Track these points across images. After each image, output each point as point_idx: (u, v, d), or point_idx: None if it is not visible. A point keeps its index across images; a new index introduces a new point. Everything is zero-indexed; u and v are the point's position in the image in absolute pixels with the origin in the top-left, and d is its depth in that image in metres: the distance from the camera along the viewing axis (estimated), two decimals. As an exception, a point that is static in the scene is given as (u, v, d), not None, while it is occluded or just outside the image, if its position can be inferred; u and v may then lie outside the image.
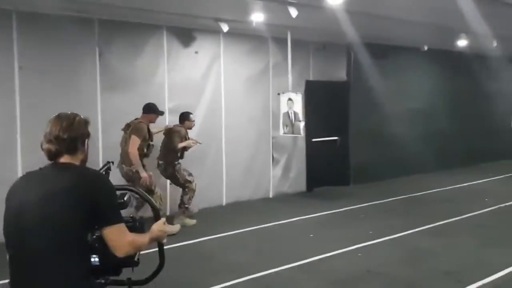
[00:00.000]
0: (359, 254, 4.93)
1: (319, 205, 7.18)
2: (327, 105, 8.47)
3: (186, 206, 6.08)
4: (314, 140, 8.39)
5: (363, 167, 8.81)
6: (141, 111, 5.76)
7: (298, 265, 4.61)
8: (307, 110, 8.24)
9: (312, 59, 8.35)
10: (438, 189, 8.29)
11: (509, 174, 9.74)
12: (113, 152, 6.12)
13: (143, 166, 5.47)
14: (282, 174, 8.04)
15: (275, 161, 7.95)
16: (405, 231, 5.71)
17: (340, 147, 8.74)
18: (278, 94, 7.42)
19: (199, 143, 6.19)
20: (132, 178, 5.42)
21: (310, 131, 8.29)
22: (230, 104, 7.33)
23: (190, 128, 6.25)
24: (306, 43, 8.15)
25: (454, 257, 4.81)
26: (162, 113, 5.88)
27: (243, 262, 4.72)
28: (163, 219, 2.10)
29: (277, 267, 4.55)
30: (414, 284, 4.11)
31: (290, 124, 7.33)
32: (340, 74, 8.69)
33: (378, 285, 4.12)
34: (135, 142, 5.36)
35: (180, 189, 6.16)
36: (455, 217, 6.37)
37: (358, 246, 5.18)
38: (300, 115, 7.16)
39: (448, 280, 4.18)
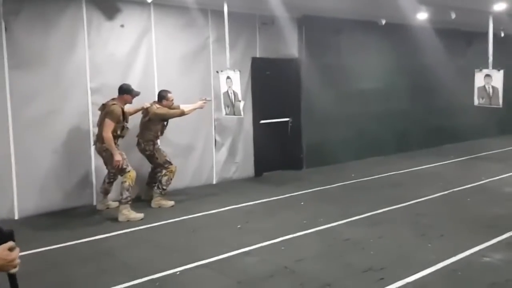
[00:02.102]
0: (282, 248, 4.44)
1: (263, 192, 6.68)
2: (276, 84, 7.94)
3: (164, 188, 6.05)
4: (262, 122, 7.85)
5: (316, 150, 8.32)
6: (58, 92, 5.45)
7: (208, 262, 4.10)
8: (254, 89, 7.71)
9: (259, 34, 7.73)
10: (391, 173, 7.81)
11: (471, 156, 9.31)
12: (26, 134, 5.60)
13: (117, 146, 5.49)
14: (227, 158, 7.49)
15: (218, 145, 7.39)
16: (341, 220, 5.22)
17: (292, 129, 8.24)
18: (217, 72, 6.83)
19: (209, 100, 6.42)
20: (105, 157, 5.55)
21: (257, 112, 7.77)
22: (164, 84, 6.66)
23: (169, 107, 6.13)
24: (252, 16, 7.54)
25: (382, 251, 4.33)
26: (137, 93, 5.75)
27: (146, 260, 4.20)
28: (10, 243, 1.52)
29: (185, 265, 4.05)
30: (328, 282, 3.63)
31: (231, 105, 6.78)
32: (290, 50, 8.10)
33: (287, 285, 3.63)
34: (108, 125, 5.39)
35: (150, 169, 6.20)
36: (399, 204, 5.90)
37: (284, 238, 4.68)
38: (240, 95, 6.59)
39: (368, 278, 3.71)
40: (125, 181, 5.47)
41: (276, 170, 8.02)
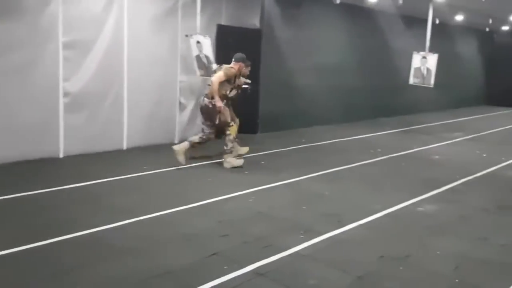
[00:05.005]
0: (250, 199, 5.03)
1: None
2: (239, 52, 8.34)
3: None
4: (223, 87, 8.28)
5: (271, 116, 8.95)
6: (32, 44, 5.63)
7: (188, 208, 4.62)
8: (218, 55, 8.06)
9: (225, 3, 8.09)
10: (338, 139, 8.69)
11: (404, 128, 10.47)
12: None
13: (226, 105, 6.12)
14: (189, 120, 7.90)
15: (182, 107, 7.77)
16: (299, 176, 5.94)
17: (250, 95, 8.75)
18: (186, 36, 7.15)
19: (247, 81, 6.60)
20: (210, 112, 6.10)
21: (219, 78, 8.17)
22: (134, 43, 6.93)
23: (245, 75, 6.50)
24: (220, -16, 7.87)
25: (338, 201, 5.11)
26: (249, 63, 6.39)
27: (132, 205, 4.63)
28: None
29: (167, 209, 4.53)
30: (297, 224, 4.31)
31: (205, 67, 7.15)
32: (253, 20, 8.55)
33: (264, 225, 4.26)
34: (219, 76, 6.03)
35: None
36: (348, 165, 6.75)
37: (253, 190, 5.30)
38: (212, 58, 6.99)
39: (329, 221, 4.43)
40: (230, 134, 6.18)
41: (234, 133, 8.55)
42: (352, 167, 6.72)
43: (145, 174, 5.81)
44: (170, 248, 3.70)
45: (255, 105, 8.78)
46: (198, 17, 6.95)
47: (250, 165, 6.52)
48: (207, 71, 6.99)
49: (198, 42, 6.95)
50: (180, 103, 7.71)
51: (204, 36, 6.92)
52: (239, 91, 6.48)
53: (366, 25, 10.29)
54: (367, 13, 9.98)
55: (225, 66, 6.21)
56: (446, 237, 4.21)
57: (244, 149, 6.55)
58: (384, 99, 11.61)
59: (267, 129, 8.88)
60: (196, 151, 6.43)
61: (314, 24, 9.46)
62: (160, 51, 7.29)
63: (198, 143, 6.26)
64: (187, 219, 4.34)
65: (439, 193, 5.60)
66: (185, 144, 6.20)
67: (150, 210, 4.44)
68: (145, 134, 7.24)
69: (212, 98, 6.07)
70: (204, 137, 6.27)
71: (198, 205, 4.70)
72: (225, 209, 4.66)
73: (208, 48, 6.87)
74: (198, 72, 7.17)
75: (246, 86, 6.59)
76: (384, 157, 7.47)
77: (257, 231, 4.09)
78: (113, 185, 5.37)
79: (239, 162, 6.28)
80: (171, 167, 6.13)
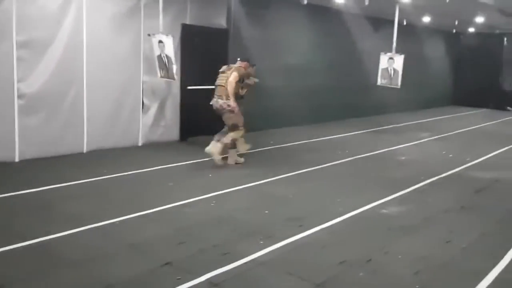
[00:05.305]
0: (212, 204, 4.88)
1: (188, 154, 7.03)
2: (205, 52, 8.19)
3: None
4: (190, 88, 8.11)
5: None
6: None
7: (145, 214, 4.44)
8: (183, 55, 7.90)
9: (190, 2, 7.90)
10: (307, 141, 8.63)
11: (373, 129, 10.51)
12: None
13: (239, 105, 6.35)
14: (153, 121, 7.68)
15: (145, 108, 7.54)
16: (264, 179, 5.83)
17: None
18: (148, 35, 6.94)
19: (256, 80, 6.76)
20: (222, 111, 6.32)
21: (185, 78, 7.99)
22: (93, 43, 6.67)
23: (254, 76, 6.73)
24: (184, -17, 7.68)
25: (302, 204, 5.01)
26: (253, 64, 6.65)
27: (87, 212, 4.42)
28: None
29: (124, 215, 4.34)
30: (258, 229, 4.18)
31: (165, 68, 6.97)
32: (219, 20, 8.39)
33: (224, 231, 4.12)
34: (234, 76, 6.24)
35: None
36: (315, 166, 6.67)
37: (215, 194, 5.15)
38: (173, 59, 6.80)
39: (291, 226, 4.32)
40: (234, 135, 6.38)
41: (200, 135, 8.36)
42: (318, 168, 6.65)
43: (103, 179, 5.59)
44: (119, 258, 3.51)
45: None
46: (161, 16, 6.75)
47: (215, 167, 6.37)
48: (168, 73, 6.80)
49: (160, 41, 6.76)
50: (143, 104, 7.48)
51: (167, 35, 6.72)
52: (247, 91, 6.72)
53: (335, 26, 10.28)
54: (335, 14, 9.98)
55: (234, 66, 6.41)
56: (408, 240, 4.16)
57: (246, 146, 6.77)
58: (354, 100, 11.64)
59: (235, 130, 8.72)
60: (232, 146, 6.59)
61: (282, 24, 9.37)
62: (122, 51, 7.05)
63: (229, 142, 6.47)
64: (143, 227, 4.15)
65: (404, 194, 5.57)
66: (219, 146, 6.33)
67: (105, 217, 4.24)
68: (106, 136, 6.99)
69: (227, 98, 6.21)
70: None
71: (155, 211, 4.52)
72: (184, 215, 4.50)
73: (170, 48, 6.69)
74: (158, 73, 6.97)
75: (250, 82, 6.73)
76: (352, 158, 7.43)
77: (215, 237, 3.95)
78: (69, 190, 5.13)
79: (242, 159, 6.61)
80: (132, 170, 5.93)
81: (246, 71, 6.46)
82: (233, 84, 6.20)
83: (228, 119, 6.37)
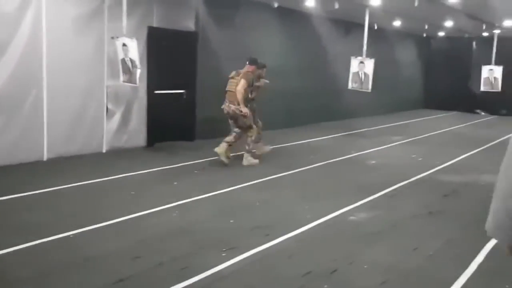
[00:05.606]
0: (174, 214, 4.69)
1: (156, 161, 6.82)
2: (173, 56, 8.00)
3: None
4: (157, 92, 7.90)
5: (209, 122, 8.61)
6: None
7: (102, 226, 4.21)
8: (149, 59, 7.68)
9: (156, 4, 7.69)
10: (278, 145, 8.49)
11: (345, 133, 10.48)
12: None
13: (249, 108, 6.70)
14: (118, 127, 7.43)
15: (110, 113, 7.28)
16: (231, 186, 5.66)
17: (186, 101, 8.41)
18: (112, 38, 6.71)
19: (266, 81, 7.23)
20: (236, 115, 6.65)
21: (152, 82, 7.78)
22: (54, 45, 6.39)
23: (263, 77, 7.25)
24: (150, -15, 7.47)
25: (269, 212, 4.87)
26: (263, 65, 7.14)
27: (40, 224, 4.17)
28: None
29: (81, 227, 4.11)
30: (222, 240, 4.02)
31: (129, 72, 6.73)
32: (187, 23, 8.21)
33: (185, 243, 3.93)
34: (243, 84, 6.57)
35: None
36: (284, 172, 6.55)
37: (179, 203, 4.96)
38: (137, 62, 6.58)
39: (257, 235, 4.18)
40: (252, 135, 6.77)
41: (168, 141, 8.16)
42: (287, 174, 6.53)
43: (63, 188, 5.33)
44: (71, 274, 3.29)
45: (191, 111, 8.44)
46: (124, 18, 6.53)
47: (181, 174, 6.18)
48: (131, 77, 6.58)
49: (124, 44, 6.53)
50: (107, 109, 7.22)
51: (131, 38, 6.50)
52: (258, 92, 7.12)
53: (306, 29, 10.21)
54: (306, 18, 9.90)
55: (242, 71, 6.69)
56: (375, 248, 4.07)
57: (266, 148, 7.35)
58: (326, 104, 11.60)
59: (204, 135, 8.53)
60: (237, 146, 6.94)
61: (252, 27, 9.24)
62: (85, 53, 6.79)
63: (234, 141, 6.80)
64: (97, 240, 3.93)
65: (373, 199, 5.50)
66: (224, 145, 6.67)
67: (58, 230, 4.00)
68: (68, 143, 6.70)
69: (238, 104, 6.53)
70: (237, 136, 6.81)
71: (114, 223, 4.30)
72: (143, 226, 4.29)
73: (134, 51, 6.47)
74: (121, 77, 6.74)
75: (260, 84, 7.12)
76: (323, 162, 7.35)
77: (175, 250, 3.76)
78: (25, 201, 4.86)
79: (255, 161, 6.88)
80: (94, 179, 5.68)
81: (254, 75, 6.80)
82: (242, 92, 6.53)
83: (243, 123, 6.74)
